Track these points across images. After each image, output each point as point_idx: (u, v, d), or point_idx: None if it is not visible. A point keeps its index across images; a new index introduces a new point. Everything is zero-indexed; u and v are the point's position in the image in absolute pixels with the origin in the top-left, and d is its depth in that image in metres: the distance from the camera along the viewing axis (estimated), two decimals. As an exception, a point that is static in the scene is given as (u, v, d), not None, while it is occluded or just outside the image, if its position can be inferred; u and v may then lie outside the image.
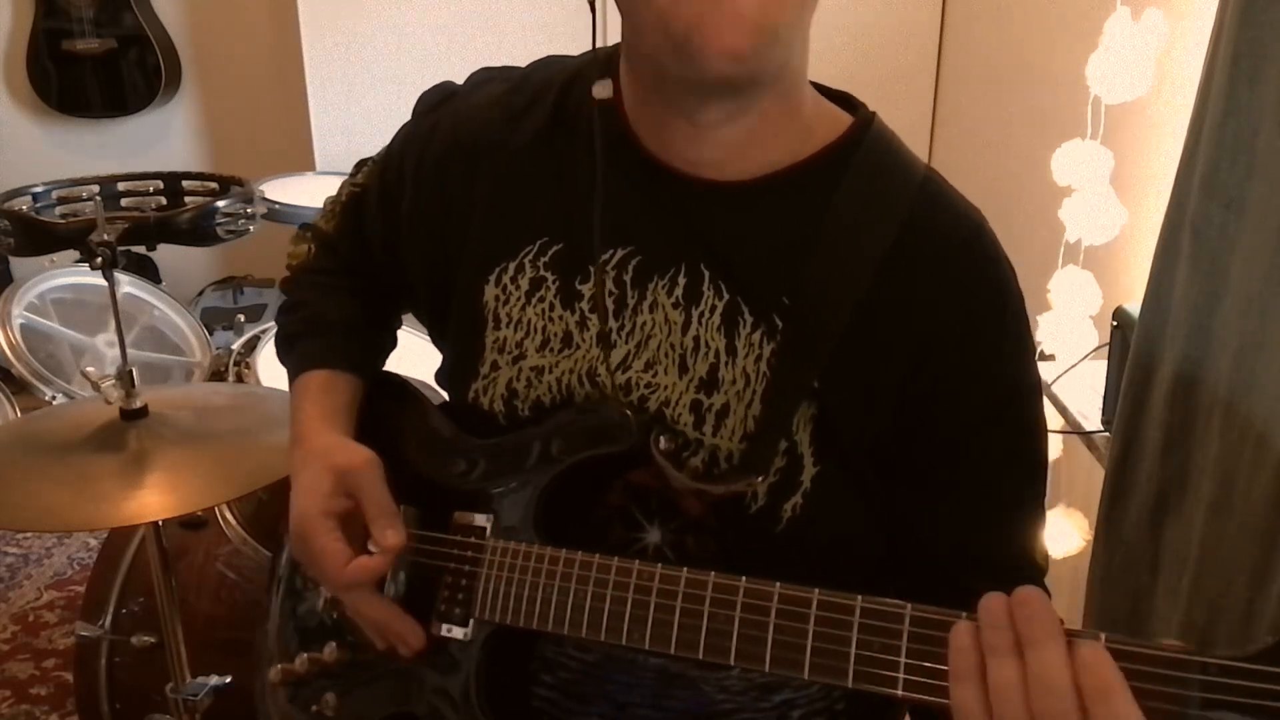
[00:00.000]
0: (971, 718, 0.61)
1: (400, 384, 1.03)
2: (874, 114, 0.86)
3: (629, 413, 0.82)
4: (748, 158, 0.81)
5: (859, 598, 0.68)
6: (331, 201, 1.05)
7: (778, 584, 0.71)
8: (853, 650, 0.67)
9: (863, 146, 0.83)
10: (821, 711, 0.89)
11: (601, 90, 0.83)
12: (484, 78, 0.95)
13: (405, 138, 0.97)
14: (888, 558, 0.84)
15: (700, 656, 0.73)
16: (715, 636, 0.72)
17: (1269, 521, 1.07)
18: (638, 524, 0.84)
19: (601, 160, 0.84)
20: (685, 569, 0.75)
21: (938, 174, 0.85)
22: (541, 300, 0.86)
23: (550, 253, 0.86)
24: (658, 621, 0.75)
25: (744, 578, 0.72)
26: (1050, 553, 1.73)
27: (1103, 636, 0.59)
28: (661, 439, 0.81)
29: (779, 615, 0.70)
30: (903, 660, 0.65)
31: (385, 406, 1.00)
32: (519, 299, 0.87)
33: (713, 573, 0.74)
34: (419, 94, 0.99)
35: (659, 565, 0.76)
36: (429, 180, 0.92)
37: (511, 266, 0.87)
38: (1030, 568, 0.84)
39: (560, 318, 0.86)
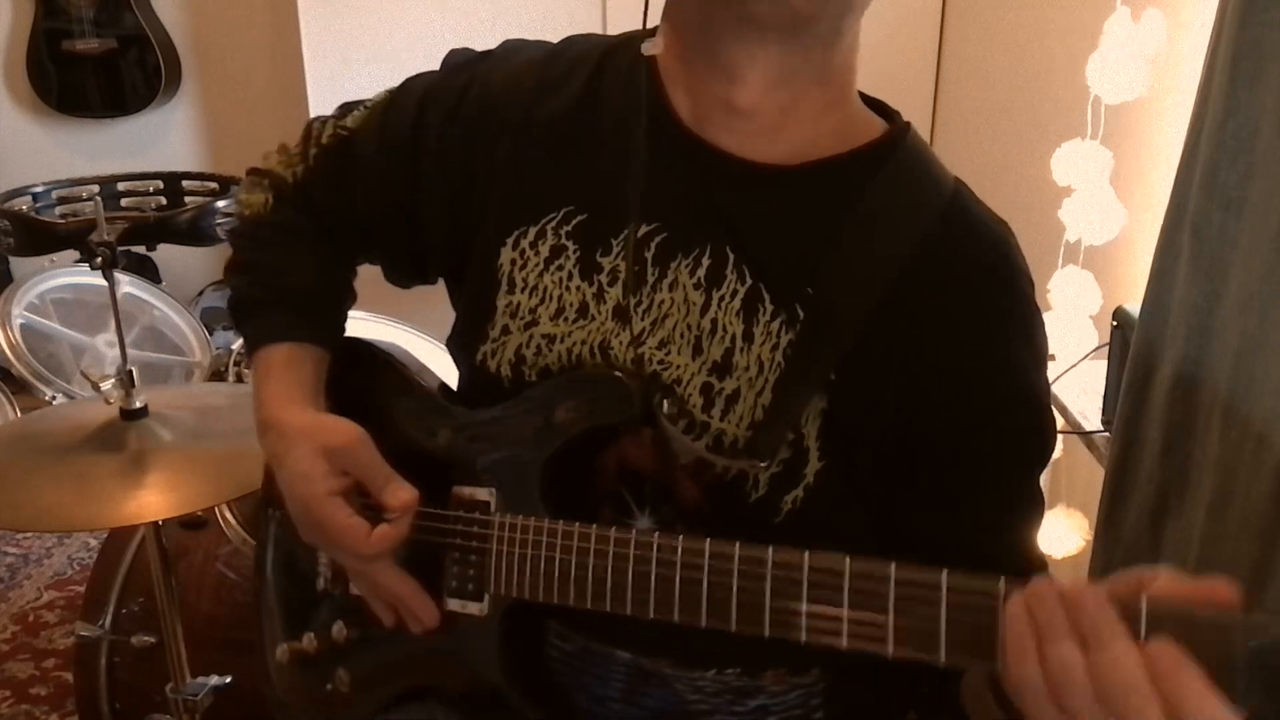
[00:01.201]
0: (1035, 695, 0.60)
1: (368, 351, 1.00)
2: (909, 123, 0.86)
3: (621, 377, 0.82)
4: (783, 140, 0.81)
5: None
6: (305, 143, 0.99)
7: (770, 549, 0.71)
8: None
9: (899, 151, 0.83)
10: (798, 719, 0.88)
11: (652, 46, 0.82)
12: (518, 45, 0.94)
13: (428, 91, 0.93)
14: (885, 552, 0.83)
15: (703, 623, 0.73)
16: (715, 600, 0.73)
17: (1269, 521, 1.07)
18: (629, 510, 0.84)
19: (638, 136, 0.83)
20: (681, 538, 0.75)
21: (967, 187, 0.85)
22: (560, 269, 0.86)
23: (574, 222, 0.86)
24: (660, 588, 0.75)
25: (738, 543, 0.73)
26: (1050, 553, 1.73)
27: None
28: (665, 402, 0.81)
29: (773, 580, 0.71)
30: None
31: (356, 377, 0.97)
32: (537, 265, 0.86)
33: (708, 540, 0.74)
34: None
35: (656, 535, 0.76)
36: (457, 138, 0.90)
37: (532, 231, 0.87)
38: (1032, 568, 0.84)
39: (578, 288, 0.85)
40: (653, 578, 0.75)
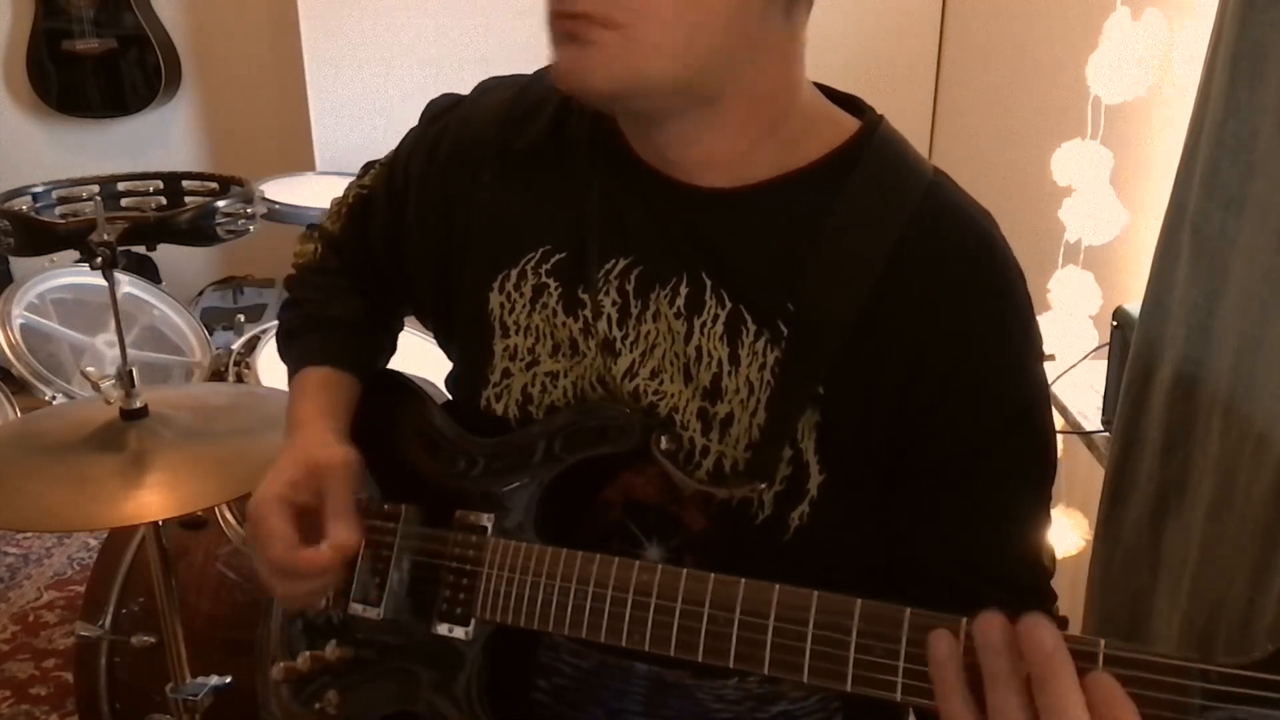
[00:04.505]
0: None
1: (399, 382, 1.03)
2: (881, 117, 0.85)
3: (627, 412, 0.82)
4: (745, 165, 0.81)
5: (858, 601, 0.68)
6: (338, 203, 1.06)
7: (776, 586, 0.71)
8: (851, 654, 0.67)
9: (868, 150, 0.82)
10: None
11: None
12: (491, 85, 0.96)
13: (412, 144, 0.97)
14: (892, 567, 0.83)
15: (699, 659, 0.73)
16: (714, 639, 0.72)
17: (1269, 521, 1.07)
18: (637, 540, 0.84)
19: (600, 171, 0.84)
20: (685, 570, 0.75)
21: (947, 177, 0.84)
22: (545, 307, 0.87)
23: (553, 260, 0.86)
24: (657, 623, 0.75)
25: (743, 579, 0.72)
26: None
27: (1101, 644, 0.59)
28: (663, 439, 0.81)
29: (778, 618, 0.70)
30: (901, 664, 0.65)
31: (384, 404, 1.00)
32: (524, 305, 0.87)
33: (712, 574, 0.73)
34: (417, 94, 0.99)
35: (659, 566, 0.76)
36: (434, 187, 0.93)
37: (514, 274, 0.88)
38: (1037, 573, 0.84)
39: (564, 324, 0.86)
40: (650, 611, 0.75)
